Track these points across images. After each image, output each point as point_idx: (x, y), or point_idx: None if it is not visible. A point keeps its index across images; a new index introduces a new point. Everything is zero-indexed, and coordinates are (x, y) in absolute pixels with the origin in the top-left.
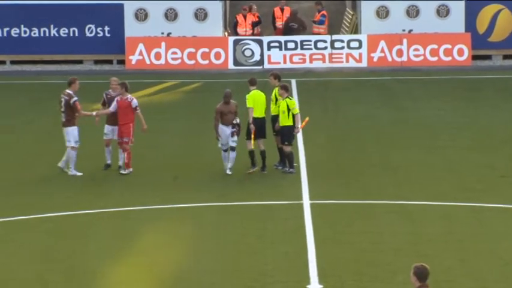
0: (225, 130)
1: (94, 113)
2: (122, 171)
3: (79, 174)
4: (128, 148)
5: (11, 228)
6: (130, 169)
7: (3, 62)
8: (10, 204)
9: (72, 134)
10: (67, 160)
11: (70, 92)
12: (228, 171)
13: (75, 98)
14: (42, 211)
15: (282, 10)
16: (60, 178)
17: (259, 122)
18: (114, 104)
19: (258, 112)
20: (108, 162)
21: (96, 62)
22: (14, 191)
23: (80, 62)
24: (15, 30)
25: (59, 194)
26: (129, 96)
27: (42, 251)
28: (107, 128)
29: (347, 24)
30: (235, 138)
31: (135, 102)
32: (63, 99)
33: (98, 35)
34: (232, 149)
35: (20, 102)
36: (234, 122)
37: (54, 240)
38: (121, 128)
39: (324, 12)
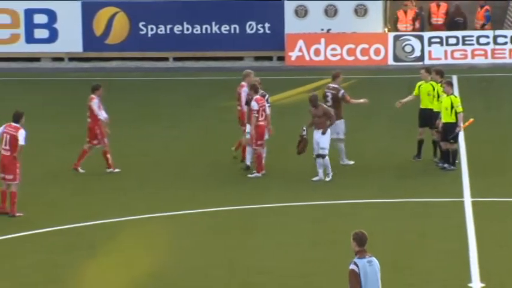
0: (314, 134)
1: (362, 101)
2: (249, 175)
3: (351, 163)
4: (258, 152)
5: (172, 222)
6: (259, 174)
7: (166, 59)
8: (171, 198)
9: (339, 127)
10: (343, 154)
11: (335, 85)
12: (326, 178)
13: (343, 90)
14: (202, 206)
15: (438, 6)
16: (218, 174)
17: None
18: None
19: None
20: (247, 163)
21: (257, 58)
22: (175, 186)
23: (241, 58)
24: (177, 28)
25: (217, 189)
26: (255, 97)
27: (202, 245)
28: (248, 127)
29: (510, 19)
30: (323, 144)
31: (253, 105)
32: (329, 94)
33: (259, 32)
34: (318, 156)
35: (182, 99)
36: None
37: (214, 234)
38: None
39: (487, 7)
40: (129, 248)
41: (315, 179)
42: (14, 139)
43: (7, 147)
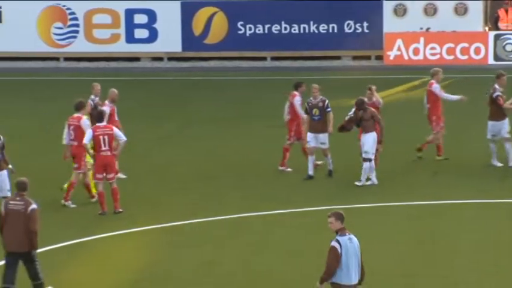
0: (362, 137)
1: None
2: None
3: None
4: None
5: (265, 222)
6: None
7: (263, 59)
8: (266, 198)
9: (498, 126)
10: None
11: (495, 85)
12: (357, 182)
13: (498, 93)
14: (300, 205)
15: None
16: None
17: None
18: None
19: None
20: (310, 172)
21: (354, 57)
22: (271, 185)
23: (338, 58)
24: (275, 27)
25: (311, 189)
26: (376, 99)
27: (296, 245)
28: (309, 136)
29: None
30: (366, 148)
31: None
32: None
33: (357, 31)
34: (364, 159)
35: (280, 98)
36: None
37: (309, 234)
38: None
39: None
40: (223, 247)
41: (358, 183)
42: (111, 138)
43: (107, 148)
